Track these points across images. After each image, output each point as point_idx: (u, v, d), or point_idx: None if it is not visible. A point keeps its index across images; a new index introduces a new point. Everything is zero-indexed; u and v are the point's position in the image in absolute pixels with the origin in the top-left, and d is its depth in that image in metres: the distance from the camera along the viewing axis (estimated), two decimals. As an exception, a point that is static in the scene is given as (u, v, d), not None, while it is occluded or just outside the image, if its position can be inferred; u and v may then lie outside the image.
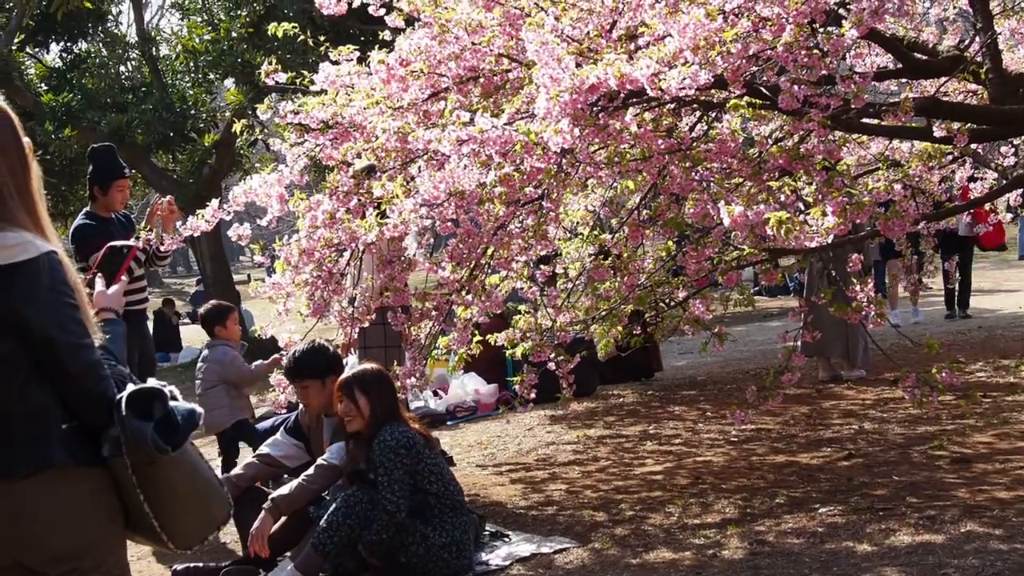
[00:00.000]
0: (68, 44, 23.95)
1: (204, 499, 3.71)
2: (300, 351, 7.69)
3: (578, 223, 9.75)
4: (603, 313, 9.25)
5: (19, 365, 3.43)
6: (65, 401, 3.48)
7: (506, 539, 7.52)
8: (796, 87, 6.17)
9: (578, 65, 5.88)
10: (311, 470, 7.15)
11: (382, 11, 7.42)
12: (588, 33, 6.39)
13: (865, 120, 7.20)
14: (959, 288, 17.78)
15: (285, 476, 7.86)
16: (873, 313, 7.30)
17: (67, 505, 3.48)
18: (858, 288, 7.51)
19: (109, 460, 3.49)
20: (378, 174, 7.37)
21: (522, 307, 9.39)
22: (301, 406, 7.84)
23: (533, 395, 8.75)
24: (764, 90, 6.73)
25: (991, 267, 24.89)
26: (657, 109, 7.09)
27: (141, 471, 3.51)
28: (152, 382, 3.59)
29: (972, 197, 9.56)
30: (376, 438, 6.91)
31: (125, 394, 3.54)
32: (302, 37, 8.01)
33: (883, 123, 7.18)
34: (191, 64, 22.33)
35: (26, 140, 3.59)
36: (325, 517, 6.83)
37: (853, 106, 6.46)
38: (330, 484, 7.18)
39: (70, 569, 3.50)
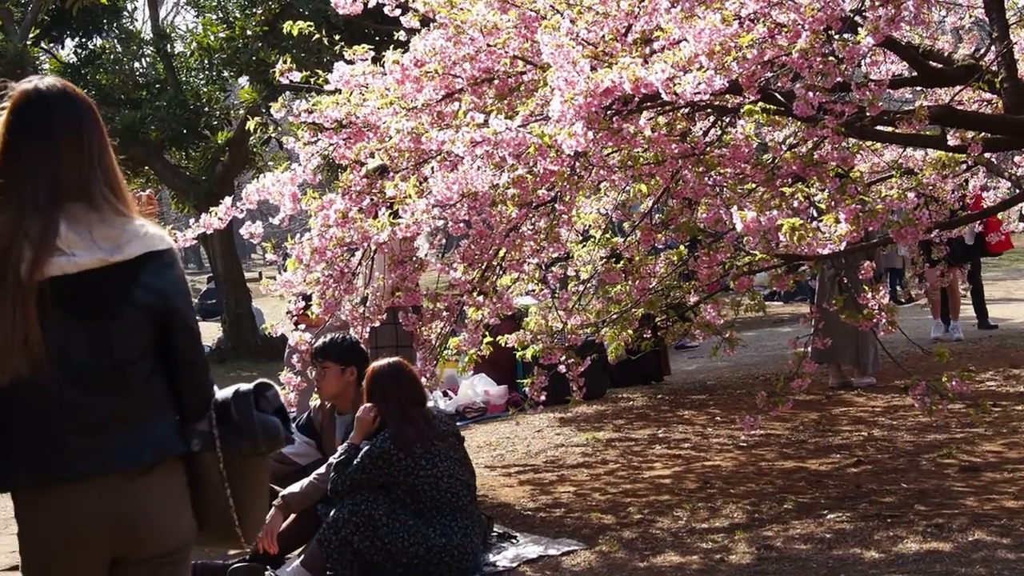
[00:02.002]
0: (83, 40, 23.98)
1: (269, 493, 3.83)
2: (332, 336, 7.78)
3: (590, 226, 9.75)
4: (614, 316, 9.25)
5: (152, 354, 3.49)
6: (178, 392, 3.55)
7: (514, 540, 7.52)
8: (811, 93, 6.17)
9: (593, 68, 5.89)
10: (322, 469, 7.17)
11: (397, 11, 7.43)
12: (603, 36, 6.40)
13: (879, 127, 7.20)
14: (974, 299, 17.61)
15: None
16: (884, 320, 7.29)
17: (174, 496, 3.54)
18: (869, 295, 7.51)
19: (197, 454, 3.55)
20: (391, 174, 7.38)
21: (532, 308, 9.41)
22: (313, 405, 7.87)
23: (543, 397, 8.75)
24: (779, 96, 6.73)
25: (1003, 276, 24.82)
26: (671, 113, 7.10)
27: (233, 465, 3.58)
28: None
29: (984, 206, 9.55)
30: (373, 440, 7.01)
31: (252, 388, 3.66)
32: (317, 36, 8.03)
33: (897, 131, 7.17)
34: (205, 61, 22.33)
35: None
36: (331, 513, 6.87)
37: (868, 113, 6.46)
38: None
39: (170, 561, 3.56)
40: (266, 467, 3.77)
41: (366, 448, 6.96)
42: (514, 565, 7.09)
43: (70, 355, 3.33)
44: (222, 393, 3.68)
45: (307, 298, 7.72)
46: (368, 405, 7.14)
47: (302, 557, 6.91)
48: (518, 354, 9.10)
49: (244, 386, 3.69)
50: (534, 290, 9.07)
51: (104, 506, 3.39)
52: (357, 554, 6.80)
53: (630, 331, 9.55)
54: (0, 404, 3.30)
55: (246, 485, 3.64)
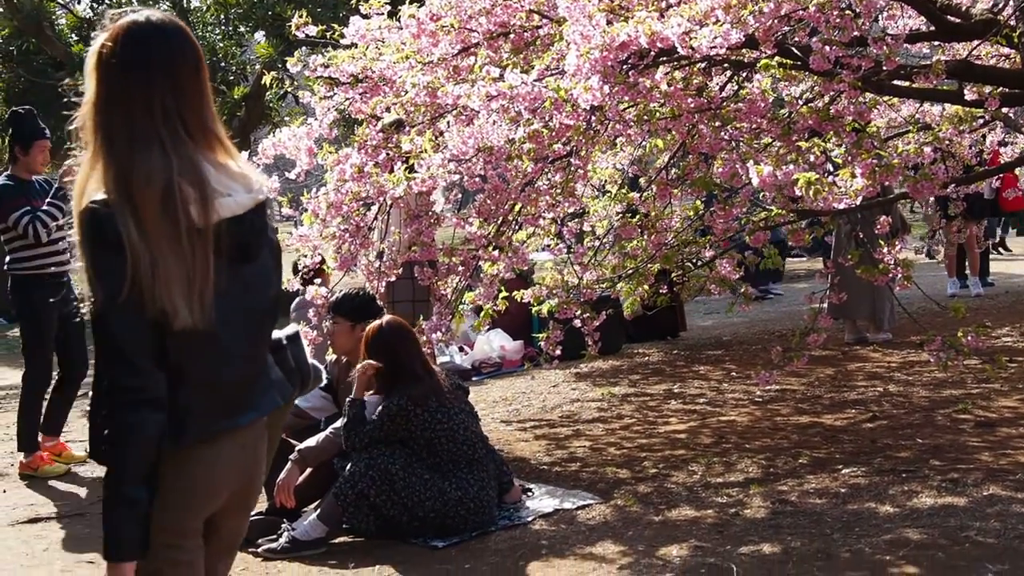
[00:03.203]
0: (99, -6, 23.96)
1: (282, 447, 3.88)
2: (346, 291, 7.80)
3: (606, 181, 9.75)
4: (630, 271, 9.25)
5: None
6: None
7: (530, 494, 7.55)
8: (827, 48, 6.15)
9: (609, 22, 5.88)
10: (339, 423, 7.19)
11: (413, -35, 7.41)
12: (619, -10, 6.38)
13: (896, 82, 7.18)
14: (983, 255, 17.54)
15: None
16: (900, 275, 7.28)
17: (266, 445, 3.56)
18: (885, 250, 7.49)
19: None
20: (407, 128, 7.39)
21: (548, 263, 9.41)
22: (330, 360, 7.89)
23: (559, 352, 8.76)
24: (795, 50, 6.71)
25: (1020, 233, 24.77)
26: (687, 68, 7.08)
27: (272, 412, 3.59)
28: None
29: (1002, 161, 9.51)
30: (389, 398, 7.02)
31: (298, 332, 3.70)
32: (333, -10, 8.01)
33: (914, 86, 7.15)
34: (221, 16, 22.27)
35: None
36: (348, 467, 6.89)
37: (884, 68, 6.43)
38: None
39: (249, 517, 3.64)
40: (285, 417, 3.79)
41: (382, 406, 6.97)
42: (529, 519, 7.12)
43: (230, 301, 3.23)
44: None
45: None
46: (368, 363, 7.13)
47: (318, 511, 6.94)
48: (534, 309, 9.11)
49: (290, 330, 3.70)
50: (550, 245, 9.07)
51: (243, 454, 3.40)
52: (373, 508, 6.83)
53: (646, 286, 9.55)
54: (173, 352, 3.15)
55: (275, 436, 3.65)
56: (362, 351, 7.21)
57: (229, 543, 3.59)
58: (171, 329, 3.08)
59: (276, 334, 3.63)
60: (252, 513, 3.67)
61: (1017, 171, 10.48)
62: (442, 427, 7.01)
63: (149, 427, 3.09)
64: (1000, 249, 22.82)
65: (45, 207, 8.87)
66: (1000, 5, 7.89)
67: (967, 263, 16.89)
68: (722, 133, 7.08)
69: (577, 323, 8.89)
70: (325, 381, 7.69)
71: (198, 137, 3.23)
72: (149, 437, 3.08)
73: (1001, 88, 7.43)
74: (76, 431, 10.85)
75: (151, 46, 3.21)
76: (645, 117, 6.89)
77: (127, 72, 3.17)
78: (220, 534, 3.49)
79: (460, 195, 8.99)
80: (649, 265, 9.18)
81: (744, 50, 6.74)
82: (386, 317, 7.42)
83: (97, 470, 9.15)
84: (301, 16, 7.68)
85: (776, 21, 6.12)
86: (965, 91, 7.28)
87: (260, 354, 3.42)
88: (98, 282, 3.08)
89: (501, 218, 7.97)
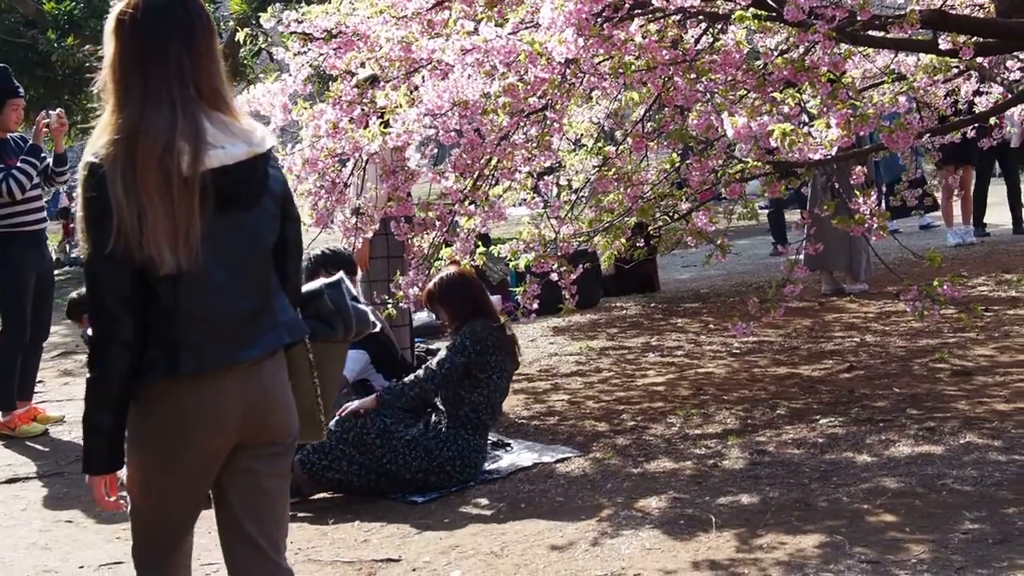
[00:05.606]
0: (70, -49, 23.77)
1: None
2: (324, 249, 7.90)
3: (582, 135, 9.72)
4: (606, 225, 9.24)
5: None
6: (281, 280, 3.68)
7: (508, 448, 7.58)
8: (802, -2, 6.13)
9: (583, -26, 5.85)
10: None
11: (386, -81, 7.36)
12: (593, -58, 6.34)
13: (871, 32, 7.16)
14: (975, 203, 17.53)
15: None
16: (875, 226, 7.29)
17: (286, 383, 3.67)
18: (861, 201, 7.50)
19: (287, 346, 3.67)
20: (381, 84, 7.36)
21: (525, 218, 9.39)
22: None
23: (536, 306, 8.76)
24: (770, 1, 6.70)
25: (997, 183, 24.78)
26: (662, 20, 7.06)
27: (320, 355, 3.78)
28: None
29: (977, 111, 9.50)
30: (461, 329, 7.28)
31: (341, 278, 3.90)
32: (306, -55, 7.96)
33: (889, 36, 7.14)
34: (194, -28, 22.16)
35: None
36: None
37: (859, 18, 6.42)
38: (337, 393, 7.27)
39: (283, 451, 3.69)
40: (344, 357, 3.91)
41: (465, 328, 7.31)
42: (509, 472, 7.14)
43: (223, 245, 3.45)
44: (305, 287, 3.85)
45: None
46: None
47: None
48: (511, 264, 9.10)
49: (332, 278, 3.91)
50: (526, 199, 9.06)
51: (244, 390, 3.50)
52: (358, 466, 6.87)
53: (623, 240, 9.55)
54: (164, 294, 3.39)
55: (330, 375, 3.78)
56: (424, 299, 7.30)
57: (261, 489, 3.66)
58: (159, 273, 3.32)
59: (317, 282, 3.89)
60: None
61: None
62: (494, 385, 7.23)
63: (116, 362, 3.40)
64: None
65: (19, 164, 8.84)
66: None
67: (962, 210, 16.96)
68: (697, 85, 7.06)
69: (554, 277, 8.88)
70: (378, 327, 7.70)
71: (207, 97, 3.47)
72: (116, 371, 3.40)
73: (975, 38, 7.42)
74: (53, 391, 10.85)
75: (167, 11, 3.45)
76: (620, 70, 6.87)
77: (145, 36, 3.42)
78: (248, 476, 3.63)
79: (436, 150, 8.94)
80: (626, 219, 9.17)
81: (718, 1, 6.72)
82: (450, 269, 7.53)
83: (74, 431, 9.15)
84: (273, -29, 7.64)
85: (750, -28, 6.11)
86: (939, 41, 7.28)
87: (259, 294, 3.56)
88: (88, 233, 3.38)
89: (477, 172, 7.95)
